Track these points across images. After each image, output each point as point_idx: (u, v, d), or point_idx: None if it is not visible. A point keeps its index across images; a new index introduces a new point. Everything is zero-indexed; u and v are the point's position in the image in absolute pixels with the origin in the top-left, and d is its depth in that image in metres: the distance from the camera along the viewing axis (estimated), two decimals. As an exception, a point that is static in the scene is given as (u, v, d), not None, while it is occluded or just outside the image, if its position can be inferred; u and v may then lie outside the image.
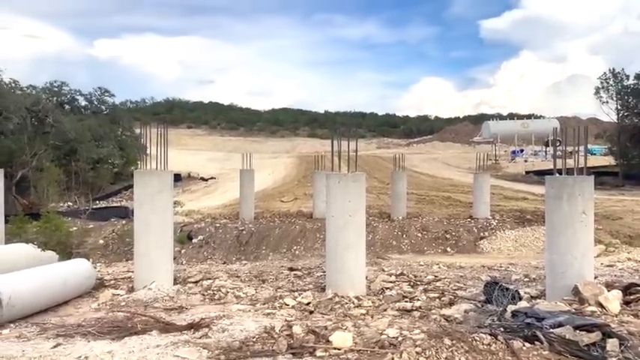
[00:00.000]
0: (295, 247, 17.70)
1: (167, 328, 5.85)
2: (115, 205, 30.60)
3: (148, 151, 9.12)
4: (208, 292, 8.01)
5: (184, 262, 16.06)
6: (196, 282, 8.62)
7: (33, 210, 23.35)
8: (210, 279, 8.71)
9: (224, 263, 14.09)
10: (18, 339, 5.66)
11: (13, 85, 31.72)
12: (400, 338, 5.52)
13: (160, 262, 8.32)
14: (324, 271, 9.40)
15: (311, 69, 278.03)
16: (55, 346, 5.24)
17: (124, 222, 20.56)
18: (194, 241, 18.65)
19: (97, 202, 31.33)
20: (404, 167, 23.19)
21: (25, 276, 6.67)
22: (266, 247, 17.96)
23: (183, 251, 17.65)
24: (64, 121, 34.15)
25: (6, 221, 12.38)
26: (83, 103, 45.89)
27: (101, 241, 19.10)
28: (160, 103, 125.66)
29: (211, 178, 48.14)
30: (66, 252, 15.84)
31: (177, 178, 38.91)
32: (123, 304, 7.27)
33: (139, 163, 45.18)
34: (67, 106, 43.38)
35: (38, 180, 27.44)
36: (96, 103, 46.13)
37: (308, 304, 7.14)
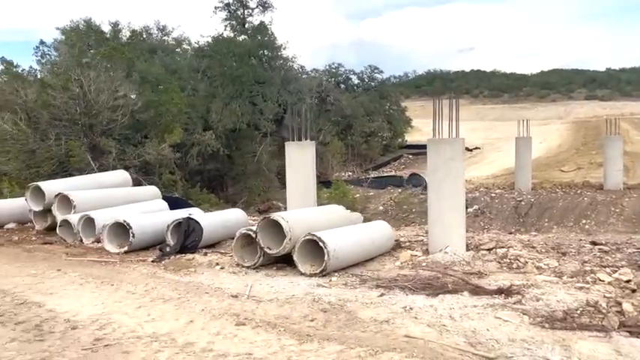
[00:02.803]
0: (585, 221, 15.98)
1: (477, 290, 5.95)
2: (387, 175, 32.67)
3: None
4: (504, 260, 7.84)
5: (461, 230, 16.17)
6: (489, 249, 8.53)
7: (321, 178, 26.65)
8: (503, 247, 8.51)
9: (510, 233, 13.63)
10: (345, 286, 6.52)
11: (301, 70, 36.47)
12: None
13: (453, 227, 8.47)
14: (638, 248, 8.26)
15: (587, 23, 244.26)
16: (380, 295, 5.88)
17: (399, 190, 21.78)
18: (469, 210, 18.54)
19: (370, 172, 33.99)
20: None
21: (343, 233, 7.65)
22: (549, 219, 16.69)
23: (458, 220, 17.77)
24: (341, 99, 37.86)
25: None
26: (356, 81, 50.00)
27: (380, 207, 20.66)
28: (422, 75, 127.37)
29: (476, 148, 47.12)
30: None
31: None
32: (424, 264, 7.68)
33: (405, 135, 47.30)
34: (342, 86, 47.92)
35: (324, 152, 31.19)
36: (366, 80, 49.71)
37: (628, 281, 6.34)
